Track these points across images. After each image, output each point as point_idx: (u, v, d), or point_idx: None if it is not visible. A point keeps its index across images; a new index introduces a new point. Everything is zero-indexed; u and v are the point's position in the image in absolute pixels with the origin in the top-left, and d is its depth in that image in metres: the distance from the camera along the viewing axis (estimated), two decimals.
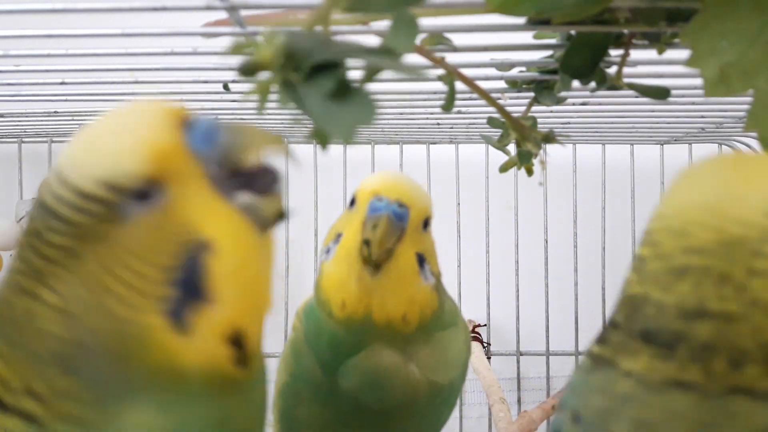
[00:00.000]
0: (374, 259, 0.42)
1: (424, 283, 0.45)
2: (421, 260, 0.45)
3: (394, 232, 0.43)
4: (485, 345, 0.87)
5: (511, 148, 0.45)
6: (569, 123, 0.71)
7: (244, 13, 0.36)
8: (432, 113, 0.66)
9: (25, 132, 0.82)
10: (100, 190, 0.25)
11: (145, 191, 0.25)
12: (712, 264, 0.24)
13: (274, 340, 0.86)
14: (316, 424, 0.49)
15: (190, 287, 0.25)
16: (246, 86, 0.53)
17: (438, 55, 0.36)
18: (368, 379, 0.45)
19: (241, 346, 0.26)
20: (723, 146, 0.86)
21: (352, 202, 0.47)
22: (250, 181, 0.27)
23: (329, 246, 0.46)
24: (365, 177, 0.47)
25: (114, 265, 0.25)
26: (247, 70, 0.25)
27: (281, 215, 0.28)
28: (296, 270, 0.87)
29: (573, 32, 0.37)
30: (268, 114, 0.68)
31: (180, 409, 0.25)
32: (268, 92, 0.25)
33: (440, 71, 0.37)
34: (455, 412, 0.90)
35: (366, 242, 0.42)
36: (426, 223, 0.46)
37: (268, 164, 0.28)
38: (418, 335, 0.46)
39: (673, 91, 0.41)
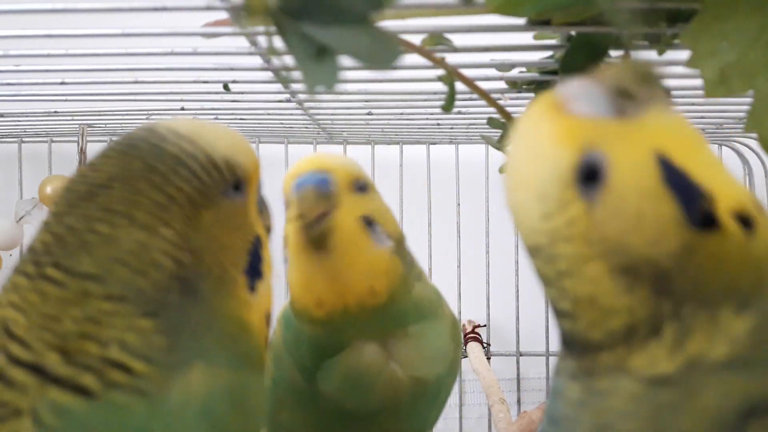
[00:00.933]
0: (312, 233, 0.40)
1: (379, 247, 0.42)
2: (369, 222, 0.42)
3: (321, 197, 0.41)
4: (485, 345, 0.87)
5: None
6: None
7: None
8: (432, 113, 0.66)
9: (25, 132, 0.82)
10: (224, 164, 0.30)
11: (239, 184, 0.31)
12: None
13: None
14: (300, 429, 0.48)
15: (256, 263, 0.31)
16: (245, 87, 0.53)
17: (438, 55, 0.36)
18: (348, 380, 0.43)
19: (269, 325, 0.32)
20: (723, 147, 0.87)
21: (286, 204, 0.44)
22: (265, 210, 0.36)
23: (285, 255, 0.44)
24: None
25: (221, 224, 0.30)
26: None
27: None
28: None
29: (573, 33, 0.37)
30: (268, 114, 0.68)
31: (238, 370, 0.29)
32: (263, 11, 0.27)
33: (440, 71, 0.37)
34: (455, 413, 0.90)
35: (303, 225, 0.40)
36: (361, 187, 0.43)
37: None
38: (396, 323, 0.44)
39: (673, 92, 0.41)
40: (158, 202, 0.28)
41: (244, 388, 0.29)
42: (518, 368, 0.89)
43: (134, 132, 0.30)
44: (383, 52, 0.26)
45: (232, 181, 0.31)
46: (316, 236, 0.40)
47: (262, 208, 0.35)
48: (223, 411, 0.28)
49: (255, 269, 0.31)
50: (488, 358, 0.86)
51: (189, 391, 0.27)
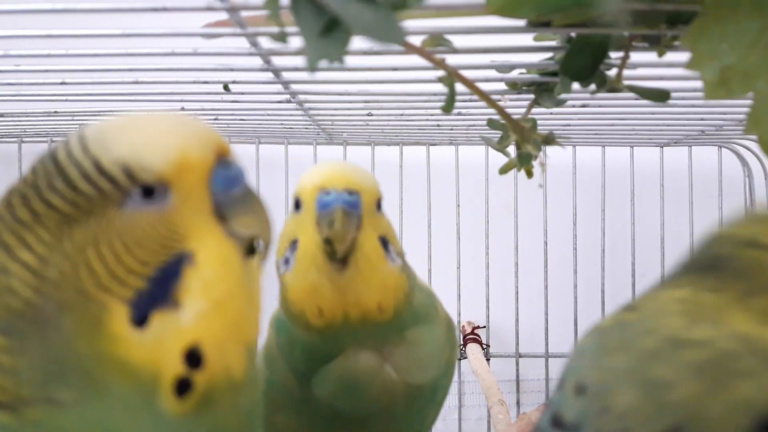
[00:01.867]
0: (339, 256, 0.40)
1: (391, 266, 0.43)
2: (385, 243, 0.43)
3: (351, 222, 0.41)
4: (484, 347, 0.87)
5: (511, 149, 0.45)
6: (569, 125, 0.71)
7: (244, 14, 0.36)
8: (432, 114, 0.66)
9: (25, 132, 0.82)
10: (116, 170, 0.25)
11: (152, 189, 0.26)
12: None
13: None
14: (295, 431, 0.47)
15: (161, 289, 0.26)
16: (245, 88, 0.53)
17: (438, 56, 0.36)
18: (343, 385, 0.43)
19: (198, 364, 0.26)
20: (723, 149, 0.87)
21: (297, 205, 0.44)
22: (246, 214, 0.28)
23: (286, 256, 0.44)
24: (305, 174, 0.45)
25: (101, 244, 0.25)
26: None
27: (266, 248, 0.29)
28: None
29: (573, 35, 0.37)
30: (268, 115, 0.68)
31: (103, 410, 0.25)
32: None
33: (440, 73, 0.37)
34: (454, 414, 0.90)
35: (327, 241, 0.40)
36: (379, 205, 0.44)
37: (262, 203, 0.30)
38: (393, 332, 0.44)
39: (673, 94, 0.41)
40: (22, 220, 0.25)
41: None
42: (518, 369, 0.89)
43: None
44: (389, 31, 0.26)
45: (138, 188, 0.26)
46: (339, 257, 0.41)
47: (233, 210, 0.28)
48: None
49: (162, 292, 0.25)
50: (487, 360, 0.85)
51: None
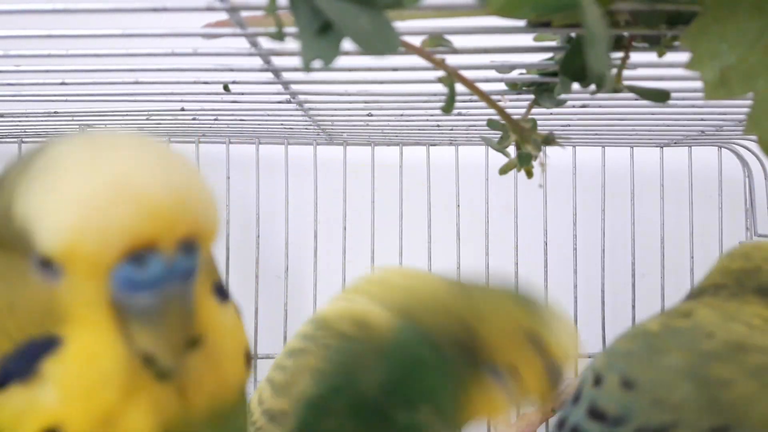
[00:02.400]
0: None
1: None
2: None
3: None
4: None
5: (511, 150, 0.45)
6: (569, 125, 0.71)
7: (244, 14, 0.36)
8: (432, 115, 0.66)
9: (25, 132, 0.82)
10: (19, 228, 0.22)
11: (46, 263, 0.23)
12: None
13: (273, 342, 0.86)
14: None
15: (24, 362, 0.23)
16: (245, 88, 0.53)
17: (438, 57, 0.36)
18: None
19: None
20: (723, 149, 0.87)
21: None
22: (146, 326, 0.23)
23: None
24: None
25: None
26: None
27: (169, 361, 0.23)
28: (295, 272, 0.87)
29: (573, 35, 0.37)
30: (268, 115, 0.68)
31: None
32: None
33: (440, 73, 0.37)
34: None
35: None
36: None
37: (177, 316, 0.23)
38: None
39: (673, 94, 0.41)
40: None
41: None
42: None
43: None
44: (382, 40, 0.26)
45: (34, 254, 0.22)
46: None
47: (134, 321, 0.23)
48: None
49: (19, 365, 0.23)
50: None
51: None
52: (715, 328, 0.27)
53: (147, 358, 0.23)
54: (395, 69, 0.45)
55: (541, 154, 0.43)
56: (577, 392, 0.29)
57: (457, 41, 0.38)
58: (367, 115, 0.66)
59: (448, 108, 0.36)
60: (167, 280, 0.23)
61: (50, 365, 0.22)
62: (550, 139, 0.41)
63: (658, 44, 0.36)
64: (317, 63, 0.27)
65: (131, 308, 0.23)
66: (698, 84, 0.29)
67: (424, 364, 0.45)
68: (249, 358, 0.27)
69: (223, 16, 0.36)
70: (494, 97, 0.41)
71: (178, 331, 0.23)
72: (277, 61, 0.44)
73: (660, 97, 0.39)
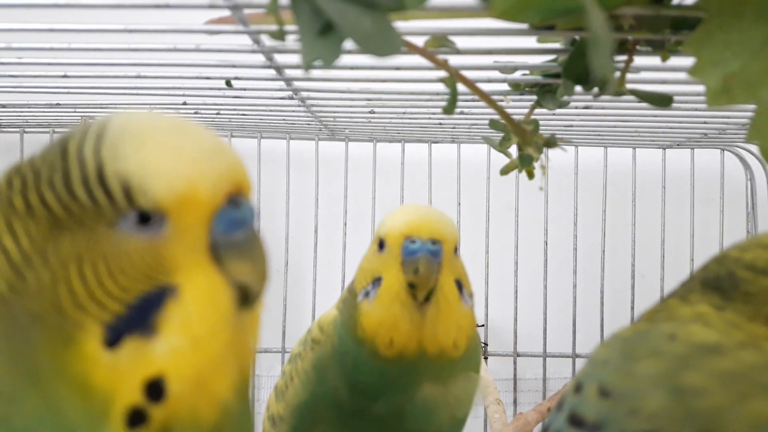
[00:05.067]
0: (420, 299, 0.45)
1: (465, 307, 0.47)
2: (460, 286, 0.47)
3: (433, 269, 0.45)
4: (482, 345, 0.87)
5: (513, 149, 0.45)
6: (571, 126, 0.71)
7: (246, 11, 0.36)
8: (434, 113, 0.66)
9: (27, 122, 0.82)
10: (116, 186, 0.23)
11: (148, 216, 0.24)
12: None
13: (272, 336, 0.86)
14: None
15: (141, 316, 0.24)
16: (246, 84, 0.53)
17: (441, 57, 0.36)
18: (415, 413, 0.47)
19: (158, 398, 0.24)
20: (725, 152, 0.86)
21: (381, 245, 0.48)
22: (242, 261, 0.26)
23: (368, 289, 0.47)
24: (390, 217, 0.48)
25: (85, 262, 0.24)
26: None
27: (260, 292, 0.27)
28: (295, 266, 0.87)
29: (577, 37, 0.37)
30: (270, 110, 0.68)
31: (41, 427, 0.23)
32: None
33: (443, 72, 0.37)
34: None
35: (411, 285, 0.45)
36: (456, 249, 0.48)
37: (263, 251, 0.27)
38: (457, 369, 0.48)
39: (676, 97, 0.41)
40: (15, 207, 0.24)
41: None
42: (515, 369, 0.89)
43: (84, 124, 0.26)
44: (384, 42, 0.26)
45: (133, 212, 0.24)
46: (422, 298, 0.45)
47: (230, 255, 0.26)
48: None
49: (132, 322, 0.24)
50: (485, 358, 0.86)
51: None
52: (678, 330, 0.27)
53: (242, 289, 0.26)
54: (398, 68, 0.45)
55: (543, 156, 0.42)
56: (561, 399, 0.30)
57: (460, 42, 0.38)
58: (370, 112, 0.66)
59: (449, 109, 0.36)
60: (251, 220, 0.26)
61: (170, 313, 0.24)
62: (551, 142, 0.41)
63: (662, 48, 0.36)
64: (318, 63, 0.27)
65: (230, 245, 0.25)
66: (701, 87, 0.29)
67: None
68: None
69: (226, 13, 0.36)
70: (496, 98, 0.41)
71: (263, 262, 0.27)
72: (280, 58, 0.44)
73: (663, 101, 0.39)
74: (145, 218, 0.24)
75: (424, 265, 0.44)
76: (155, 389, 0.24)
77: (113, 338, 0.23)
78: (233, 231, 0.25)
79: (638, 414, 0.25)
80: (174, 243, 0.24)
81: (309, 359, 0.51)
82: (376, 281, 0.47)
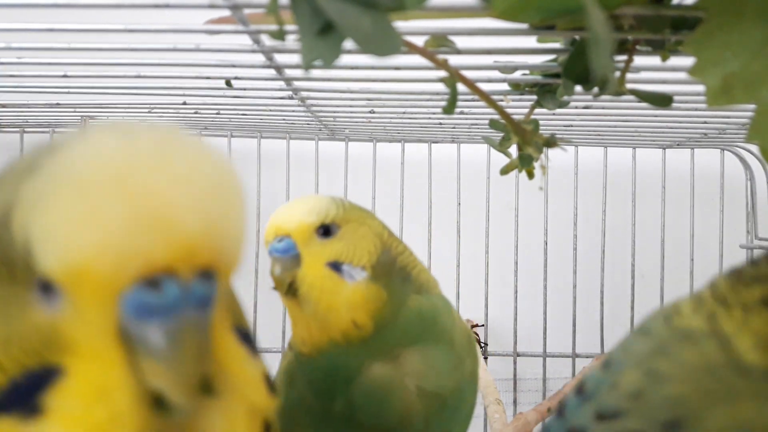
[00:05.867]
0: (285, 293, 0.45)
1: (351, 284, 0.45)
2: (335, 265, 0.46)
3: (285, 265, 0.45)
4: (482, 345, 0.87)
5: (513, 149, 0.45)
6: (571, 125, 0.71)
7: (247, 11, 0.36)
8: (434, 113, 0.66)
9: (27, 122, 0.82)
10: (21, 248, 0.20)
11: (47, 287, 0.21)
12: None
13: (272, 336, 0.86)
14: None
15: (23, 395, 0.21)
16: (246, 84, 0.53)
17: (441, 57, 0.36)
18: (366, 398, 0.45)
19: None
20: (725, 152, 0.86)
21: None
22: (155, 359, 0.21)
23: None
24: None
25: None
26: None
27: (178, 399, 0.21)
28: None
29: (577, 37, 0.37)
30: (270, 110, 0.68)
31: None
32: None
33: (443, 72, 0.37)
34: None
35: (276, 285, 0.46)
36: (326, 231, 0.46)
37: (193, 349, 0.21)
38: (399, 343, 0.46)
39: (676, 97, 0.41)
40: None
41: None
42: (515, 369, 0.89)
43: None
44: (384, 42, 0.26)
45: (36, 279, 0.21)
46: (289, 293, 0.45)
47: (142, 351, 0.20)
48: None
49: (15, 399, 0.21)
50: (485, 358, 0.86)
51: None
52: (673, 312, 0.27)
53: (157, 397, 0.21)
54: (398, 68, 0.45)
55: (543, 156, 0.42)
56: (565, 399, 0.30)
57: (460, 42, 0.38)
58: (370, 112, 0.66)
59: (449, 109, 0.36)
60: (182, 308, 0.20)
61: (51, 398, 0.21)
62: (551, 142, 0.41)
63: (662, 48, 0.36)
64: (318, 63, 0.27)
65: (142, 338, 0.20)
66: (701, 87, 0.29)
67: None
68: (268, 427, 0.24)
69: (226, 13, 0.36)
70: (496, 98, 0.41)
71: (192, 367, 0.21)
72: (280, 58, 0.44)
73: (662, 101, 0.39)
74: (45, 288, 0.21)
75: (275, 264, 0.45)
76: None
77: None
78: (147, 319, 0.20)
79: (616, 389, 0.25)
80: (71, 320, 0.21)
81: (281, 368, 0.51)
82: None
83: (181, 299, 0.20)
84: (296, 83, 0.53)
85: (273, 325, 0.86)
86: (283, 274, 0.45)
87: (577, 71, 0.36)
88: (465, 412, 0.51)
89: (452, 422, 0.50)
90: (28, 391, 0.21)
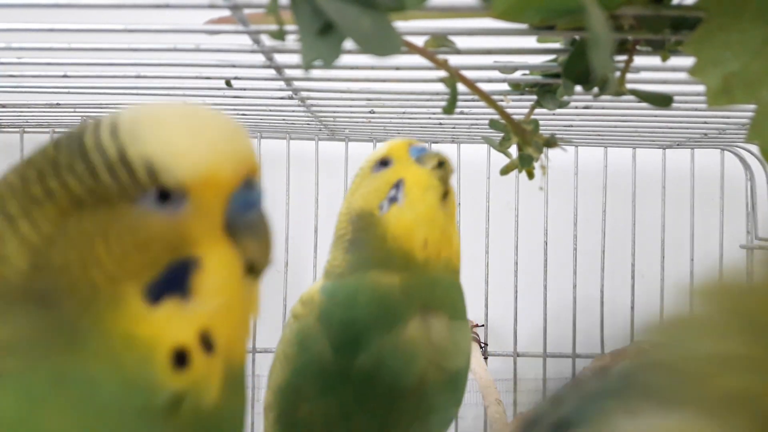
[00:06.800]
0: (449, 176, 0.46)
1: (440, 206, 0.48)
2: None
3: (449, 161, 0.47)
4: (482, 345, 0.87)
5: (513, 149, 0.45)
6: (571, 126, 0.71)
7: (247, 11, 0.36)
8: (434, 113, 0.66)
9: (27, 122, 0.82)
10: (140, 166, 0.25)
11: (168, 194, 0.26)
12: None
13: (272, 336, 0.86)
14: (319, 422, 0.47)
15: (173, 281, 0.26)
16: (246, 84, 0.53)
17: (441, 57, 0.36)
18: (396, 357, 0.45)
19: (209, 349, 0.26)
20: (725, 152, 0.86)
21: (384, 162, 0.48)
22: (251, 239, 0.28)
23: (390, 195, 0.47)
24: (377, 149, 0.50)
25: (110, 236, 0.25)
26: None
27: (265, 267, 0.29)
28: (295, 266, 0.87)
29: (577, 37, 0.37)
30: (270, 110, 0.68)
31: (104, 386, 0.24)
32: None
33: (443, 72, 0.37)
34: None
35: (440, 164, 0.46)
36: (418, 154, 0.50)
37: (269, 230, 0.29)
38: (449, 301, 0.47)
39: (676, 97, 0.41)
40: (32, 195, 0.25)
41: (118, 404, 0.24)
42: (515, 369, 0.89)
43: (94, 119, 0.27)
44: (384, 42, 0.26)
45: (153, 189, 0.25)
46: (448, 188, 0.47)
47: (245, 234, 0.28)
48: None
49: (167, 284, 0.26)
50: (485, 358, 0.86)
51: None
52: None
53: (250, 265, 0.28)
54: (398, 68, 0.45)
55: (543, 156, 0.42)
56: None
57: (460, 42, 0.38)
58: (370, 112, 0.66)
59: (449, 109, 0.36)
60: (261, 202, 0.28)
61: (199, 280, 0.26)
62: (551, 142, 0.41)
63: (662, 48, 0.36)
64: (318, 63, 0.27)
65: (242, 224, 0.28)
66: (701, 87, 0.29)
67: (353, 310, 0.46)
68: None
69: (226, 13, 0.36)
70: (496, 98, 0.41)
71: (268, 241, 0.29)
72: (280, 58, 0.44)
73: (662, 101, 0.39)
74: (164, 195, 0.26)
75: (441, 155, 0.46)
76: (206, 342, 0.26)
77: (153, 298, 0.26)
78: (246, 211, 0.28)
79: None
80: (193, 219, 0.26)
81: (289, 336, 0.49)
82: (398, 184, 0.47)
83: (261, 196, 0.28)
84: (296, 83, 0.53)
85: (273, 325, 0.86)
86: (451, 166, 0.47)
87: (577, 71, 0.36)
88: (460, 393, 0.51)
89: (452, 399, 0.50)
90: (178, 277, 0.26)
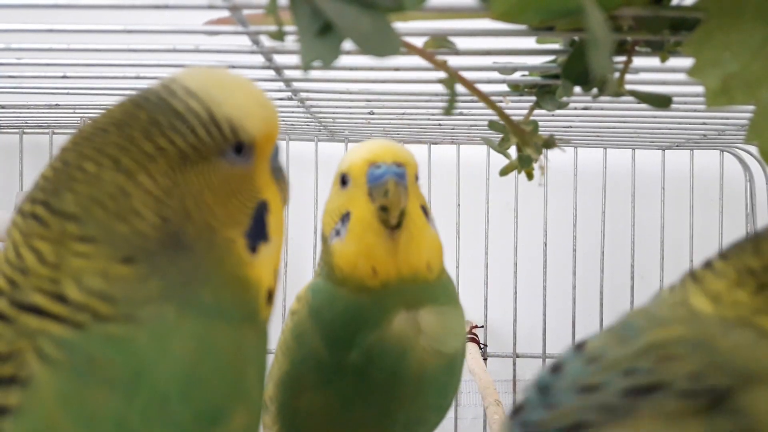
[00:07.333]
0: (393, 223, 0.45)
1: (432, 230, 0.48)
2: (425, 211, 0.48)
3: (402, 192, 0.45)
4: (482, 346, 0.87)
5: (512, 150, 0.45)
6: (571, 126, 0.71)
7: (246, 12, 0.36)
8: (434, 114, 0.66)
9: (26, 123, 0.82)
10: (225, 124, 0.30)
11: (242, 148, 0.31)
12: None
13: (272, 336, 0.86)
14: (319, 413, 0.48)
15: (260, 226, 0.31)
16: None
17: (440, 58, 0.36)
18: (384, 351, 0.45)
19: (276, 281, 0.32)
20: (725, 153, 0.87)
21: (344, 180, 0.47)
22: (281, 181, 0.35)
23: (337, 228, 0.47)
24: (349, 153, 0.48)
25: (214, 186, 0.29)
26: None
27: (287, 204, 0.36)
28: (295, 266, 0.87)
29: (576, 38, 0.37)
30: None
31: (231, 322, 0.29)
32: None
33: (443, 73, 0.37)
34: (450, 413, 0.90)
35: (382, 208, 0.45)
36: (416, 177, 0.49)
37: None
38: (431, 297, 0.47)
39: (675, 98, 0.41)
40: (145, 152, 0.28)
41: (238, 341, 0.29)
42: (514, 370, 0.89)
43: (151, 86, 0.30)
44: (383, 43, 0.26)
45: (234, 144, 0.30)
46: (392, 224, 0.45)
47: (279, 177, 0.34)
48: (209, 359, 0.28)
49: (258, 232, 0.31)
50: (485, 359, 0.86)
51: (170, 336, 0.27)
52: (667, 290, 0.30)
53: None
54: (397, 69, 0.45)
55: (542, 156, 0.42)
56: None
57: (460, 43, 0.38)
58: (369, 113, 0.66)
59: (448, 110, 0.36)
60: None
61: (269, 221, 0.32)
62: (550, 143, 0.41)
63: (661, 49, 0.36)
64: (317, 64, 0.27)
65: (279, 170, 0.34)
66: (700, 88, 0.29)
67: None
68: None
69: (225, 13, 0.36)
70: (496, 99, 0.41)
71: (288, 183, 0.35)
72: (279, 59, 0.44)
73: (662, 102, 0.39)
74: (239, 149, 0.31)
75: (393, 186, 0.44)
76: (276, 277, 0.32)
77: (252, 246, 0.31)
78: (278, 159, 0.35)
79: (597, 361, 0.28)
80: (257, 168, 0.32)
81: (287, 330, 0.50)
82: (345, 217, 0.46)
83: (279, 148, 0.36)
84: (295, 84, 0.53)
85: (273, 325, 0.86)
86: (403, 197, 0.44)
87: (576, 72, 0.36)
88: (457, 378, 0.51)
89: (450, 385, 0.50)
90: (260, 222, 0.31)
